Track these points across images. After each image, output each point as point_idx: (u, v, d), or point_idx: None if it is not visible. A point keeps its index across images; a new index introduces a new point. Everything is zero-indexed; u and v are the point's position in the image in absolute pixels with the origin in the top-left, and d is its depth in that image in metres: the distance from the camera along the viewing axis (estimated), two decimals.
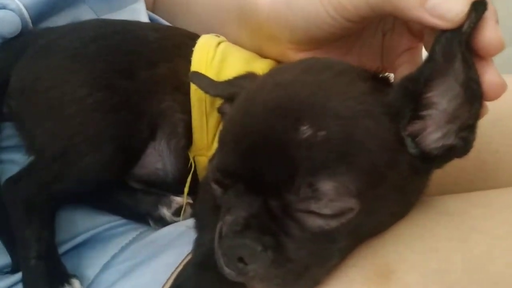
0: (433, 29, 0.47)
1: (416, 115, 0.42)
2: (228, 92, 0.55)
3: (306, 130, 0.39)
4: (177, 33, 0.72)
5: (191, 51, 0.66)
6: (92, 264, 0.58)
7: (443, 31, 0.41)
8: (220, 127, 0.63)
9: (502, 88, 0.41)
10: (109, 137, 0.59)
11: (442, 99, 0.42)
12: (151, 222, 0.64)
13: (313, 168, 0.38)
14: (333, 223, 0.39)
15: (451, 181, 0.62)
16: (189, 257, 0.52)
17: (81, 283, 0.56)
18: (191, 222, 0.59)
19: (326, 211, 0.39)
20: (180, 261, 0.53)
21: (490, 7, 0.40)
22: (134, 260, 0.57)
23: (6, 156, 0.65)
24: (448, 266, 0.39)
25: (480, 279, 0.38)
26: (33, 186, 0.57)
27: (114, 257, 0.58)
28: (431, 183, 0.47)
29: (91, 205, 0.65)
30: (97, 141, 0.59)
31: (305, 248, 0.40)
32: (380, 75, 0.47)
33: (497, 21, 0.41)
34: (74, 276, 0.56)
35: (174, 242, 0.57)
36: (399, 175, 0.42)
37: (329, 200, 0.38)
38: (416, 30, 0.54)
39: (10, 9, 0.63)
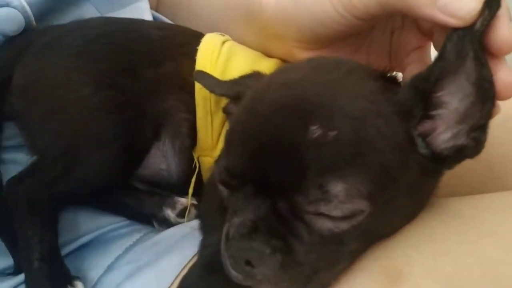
0: (443, 27, 0.47)
1: (426, 115, 0.42)
2: (234, 91, 0.54)
3: (316, 130, 0.38)
4: (181, 32, 0.71)
5: (196, 50, 0.65)
6: (96, 266, 0.58)
7: (455, 29, 0.40)
8: (225, 127, 0.63)
9: None
10: (113, 137, 0.59)
11: (453, 99, 0.41)
12: (155, 224, 0.64)
13: (323, 169, 0.37)
14: (343, 226, 0.39)
15: (457, 182, 0.61)
16: (195, 259, 0.51)
17: (84, 285, 0.55)
18: (195, 223, 0.59)
19: (336, 213, 0.38)
20: (185, 263, 0.53)
21: (503, 4, 0.39)
22: (138, 262, 0.56)
23: (8, 155, 0.64)
24: (461, 270, 0.39)
25: (494, 284, 0.38)
26: (36, 187, 0.57)
27: (118, 258, 0.58)
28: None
29: (94, 206, 0.64)
30: (100, 141, 0.58)
31: (314, 251, 0.39)
32: (388, 74, 0.46)
33: (510, 19, 0.40)
34: (77, 278, 0.56)
35: (179, 244, 0.57)
36: (410, 176, 0.41)
37: (339, 202, 0.37)
38: (426, 28, 0.53)
39: (13, 7, 0.62)
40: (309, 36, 0.54)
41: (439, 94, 0.41)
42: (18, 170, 0.59)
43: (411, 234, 0.42)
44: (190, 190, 0.63)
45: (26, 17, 0.63)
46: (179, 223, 0.63)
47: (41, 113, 0.60)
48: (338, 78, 0.43)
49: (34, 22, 0.65)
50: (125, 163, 0.61)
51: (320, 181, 0.37)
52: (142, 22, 0.72)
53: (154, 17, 0.81)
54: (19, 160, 0.63)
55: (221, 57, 0.64)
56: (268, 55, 0.66)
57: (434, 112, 0.42)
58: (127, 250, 0.59)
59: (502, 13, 0.39)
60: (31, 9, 0.64)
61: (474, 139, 0.42)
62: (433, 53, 0.53)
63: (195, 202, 0.64)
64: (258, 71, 0.57)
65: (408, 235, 0.42)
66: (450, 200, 0.47)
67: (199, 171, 0.64)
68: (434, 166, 0.43)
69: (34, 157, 0.61)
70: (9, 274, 0.59)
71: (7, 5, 0.62)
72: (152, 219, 0.64)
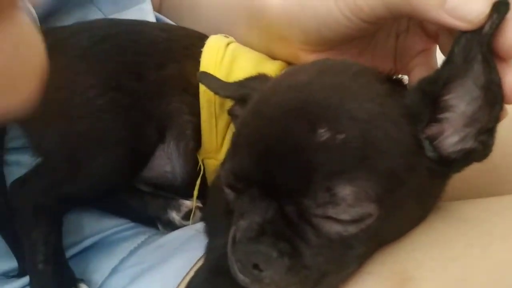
0: (449, 30, 0.47)
1: (434, 118, 0.42)
2: (239, 93, 0.54)
3: (324, 133, 0.38)
4: (185, 34, 0.71)
5: (200, 52, 0.65)
6: (100, 268, 0.57)
7: (463, 33, 0.40)
8: (230, 129, 0.62)
9: None
10: (118, 139, 0.59)
11: (460, 102, 0.41)
12: (159, 226, 0.64)
13: (331, 172, 0.37)
14: (352, 229, 0.38)
15: (462, 185, 0.61)
16: (200, 262, 0.51)
17: (89, 287, 0.55)
18: (200, 226, 0.58)
19: (345, 216, 0.38)
20: (190, 266, 0.52)
21: None
22: (143, 264, 0.56)
23: (12, 157, 0.64)
24: (470, 274, 0.38)
25: None
26: (41, 189, 0.57)
27: (122, 261, 0.58)
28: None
29: (98, 208, 0.64)
30: (106, 143, 0.58)
31: (322, 255, 0.39)
32: (394, 77, 0.46)
33: None
34: (82, 280, 0.56)
35: (184, 247, 0.57)
36: (418, 180, 0.41)
37: (347, 206, 0.37)
38: (431, 31, 0.53)
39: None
40: (315, 38, 0.54)
41: (447, 97, 0.41)
42: (22, 172, 0.59)
43: (419, 238, 0.42)
44: (195, 193, 0.63)
45: (31, 18, 0.63)
46: (184, 225, 0.63)
47: (46, 115, 0.60)
48: (345, 81, 0.43)
49: (38, 24, 0.65)
50: (130, 165, 0.60)
51: (328, 184, 0.37)
52: (146, 23, 0.72)
53: (157, 19, 0.81)
54: (23, 162, 0.63)
55: (225, 59, 0.64)
56: (272, 57, 0.66)
57: (441, 116, 0.42)
58: (131, 252, 0.58)
59: (511, 16, 0.39)
60: (35, 10, 0.64)
61: (482, 142, 0.41)
62: (439, 56, 0.53)
63: (200, 204, 0.63)
64: (264, 73, 0.57)
65: (416, 239, 0.42)
66: (458, 204, 0.47)
67: (204, 174, 0.64)
68: (442, 170, 0.42)
69: (39, 159, 0.61)
70: (13, 277, 0.58)
71: None
72: (156, 221, 0.64)
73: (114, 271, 0.57)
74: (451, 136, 0.42)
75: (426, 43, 0.54)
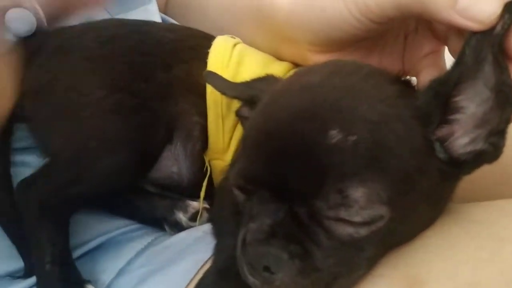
0: (459, 31, 0.46)
1: (444, 119, 0.41)
2: (247, 94, 0.54)
3: (335, 135, 0.37)
4: (192, 34, 0.71)
5: (207, 53, 0.65)
6: (107, 269, 0.57)
7: (473, 33, 0.40)
8: (237, 130, 0.62)
9: None
10: (126, 140, 0.58)
11: (470, 103, 0.41)
12: (166, 227, 0.63)
13: (343, 174, 0.37)
14: (363, 231, 0.38)
15: (469, 187, 0.60)
16: (208, 264, 0.51)
17: None
18: (207, 227, 0.58)
19: (357, 218, 0.37)
20: (198, 268, 0.52)
21: None
22: (150, 266, 0.56)
23: (18, 158, 0.64)
24: (482, 277, 0.38)
25: None
26: (48, 189, 0.56)
27: (129, 262, 0.57)
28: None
29: (105, 209, 0.64)
30: (114, 144, 0.58)
31: (333, 257, 0.39)
32: (403, 78, 0.46)
33: None
34: (89, 281, 0.55)
35: (191, 248, 0.56)
36: (429, 181, 0.41)
37: (359, 208, 0.37)
38: (440, 32, 0.52)
39: (25, 8, 0.62)
40: (323, 39, 0.54)
41: (457, 98, 0.41)
42: (28, 173, 0.58)
43: (430, 240, 0.42)
44: (202, 194, 0.63)
45: (37, 18, 0.63)
46: (191, 226, 0.62)
47: (54, 116, 0.60)
48: (356, 82, 0.42)
49: (45, 23, 0.65)
50: (138, 166, 0.60)
51: (340, 185, 0.37)
52: (153, 24, 0.72)
53: (162, 19, 0.81)
54: (29, 162, 0.63)
55: (232, 59, 0.64)
56: (279, 58, 0.66)
57: (452, 117, 0.41)
58: (138, 253, 0.58)
59: None
60: (42, 10, 0.64)
61: (492, 144, 0.41)
62: (447, 58, 0.53)
63: (207, 205, 0.63)
64: (272, 74, 0.56)
65: (427, 241, 0.42)
66: (469, 206, 0.47)
67: (210, 175, 0.64)
68: (452, 171, 0.42)
69: (45, 160, 0.60)
70: (19, 277, 0.58)
71: (20, 5, 0.62)
72: (163, 222, 0.63)
73: (121, 272, 0.56)
74: (462, 137, 0.42)
75: (434, 45, 0.54)
